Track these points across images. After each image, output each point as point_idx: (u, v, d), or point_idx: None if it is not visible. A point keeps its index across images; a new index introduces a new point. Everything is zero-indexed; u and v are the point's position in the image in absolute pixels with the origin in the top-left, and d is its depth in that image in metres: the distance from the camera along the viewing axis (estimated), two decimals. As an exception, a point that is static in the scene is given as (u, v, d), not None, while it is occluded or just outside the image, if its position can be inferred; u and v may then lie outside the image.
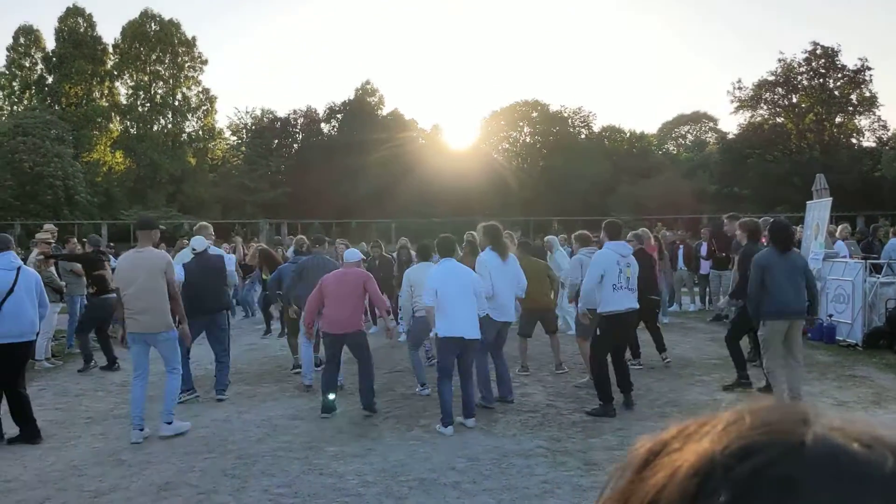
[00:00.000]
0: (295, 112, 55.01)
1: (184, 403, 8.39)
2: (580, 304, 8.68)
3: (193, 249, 9.33)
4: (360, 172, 46.50)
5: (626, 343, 8.58)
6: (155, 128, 51.00)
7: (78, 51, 48.19)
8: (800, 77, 45.62)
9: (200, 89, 52.65)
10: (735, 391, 8.86)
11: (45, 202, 39.17)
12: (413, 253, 12.22)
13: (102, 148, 50.17)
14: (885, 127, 46.41)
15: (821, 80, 45.29)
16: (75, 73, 48.23)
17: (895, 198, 37.32)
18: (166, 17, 50.97)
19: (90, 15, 49.59)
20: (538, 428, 7.49)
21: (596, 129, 57.67)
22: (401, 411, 8.16)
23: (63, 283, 11.53)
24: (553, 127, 56.04)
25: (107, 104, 50.50)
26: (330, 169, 46.83)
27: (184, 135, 52.56)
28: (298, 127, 55.28)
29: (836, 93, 45.35)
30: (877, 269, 12.19)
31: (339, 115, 54.43)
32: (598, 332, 8.12)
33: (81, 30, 49.23)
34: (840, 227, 15.47)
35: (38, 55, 49.53)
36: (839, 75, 45.02)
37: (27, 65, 49.24)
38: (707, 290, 16.47)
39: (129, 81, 51.18)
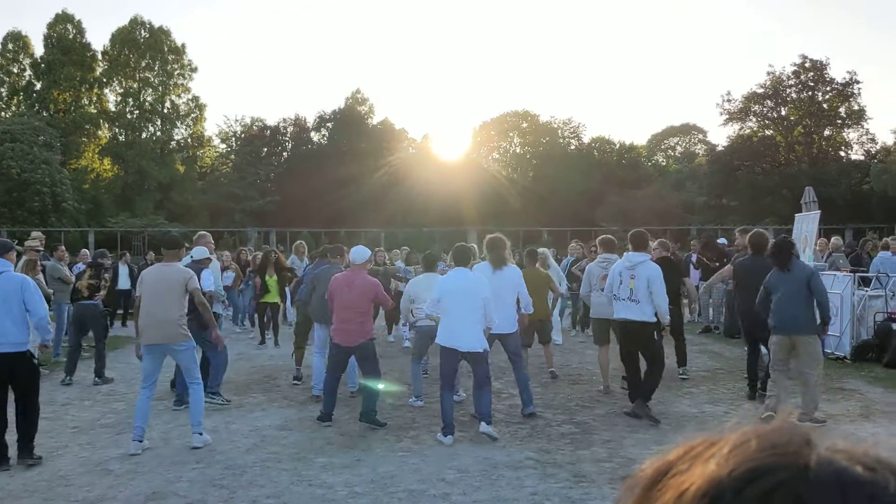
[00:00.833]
0: (284, 120, 55.00)
1: (176, 412, 8.37)
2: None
3: (192, 258, 9.31)
4: (349, 181, 46.49)
5: (635, 351, 8.45)
6: (144, 135, 50.78)
7: (67, 57, 47.98)
8: (789, 90, 45.90)
9: (190, 97, 52.52)
10: (735, 403, 8.94)
11: (32, 209, 38.97)
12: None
13: (90, 155, 49.95)
14: (873, 140, 46.85)
15: (809, 93, 45.58)
16: (64, 79, 48.04)
17: (883, 211, 37.56)
18: (156, 24, 50.89)
19: (79, 21, 49.44)
20: (528, 439, 7.49)
21: (586, 140, 57.88)
22: (391, 422, 8.14)
23: (51, 291, 11.46)
24: (543, 138, 56.23)
25: (95, 111, 50.29)
26: (319, 177, 46.78)
27: (172, 142, 52.40)
28: (288, 135, 55.22)
29: (825, 106, 45.65)
30: (865, 282, 12.26)
31: (329, 124, 54.39)
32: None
33: (70, 36, 49.02)
34: (832, 239, 15.59)
35: (27, 61, 49.28)
36: (828, 88, 45.32)
37: (15, 71, 48.99)
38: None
39: (117, 88, 50.98)
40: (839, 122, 46.47)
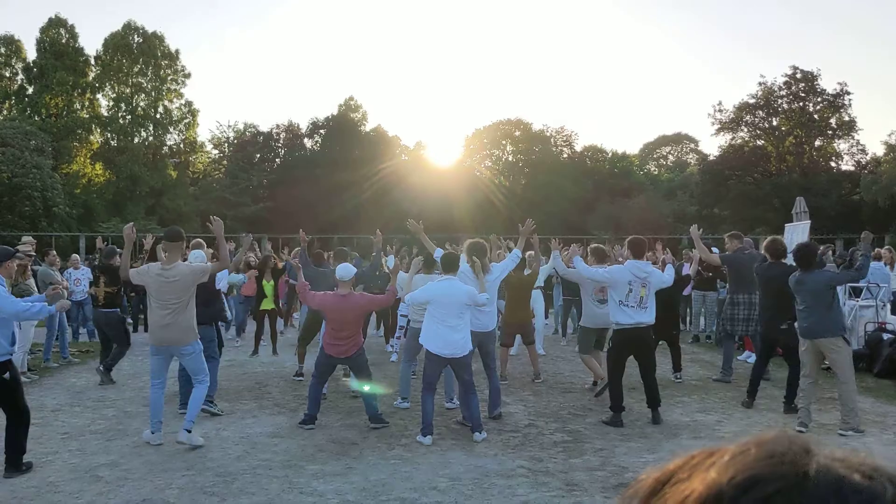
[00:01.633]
0: (277, 126, 54.90)
1: (167, 419, 8.34)
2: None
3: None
4: (342, 188, 46.43)
5: (644, 359, 8.56)
6: (136, 140, 50.62)
7: (59, 62, 47.81)
8: (780, 100, 46.15)
9: (183, 102, 52.37)
10: (727, 412, 8.96)
11: (22, 213, 38.77)
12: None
13: (82, 160, 49.74)
14: (863, 151, 47.05)
15: (800, 104, 45.83)
16: (56, 83, 47.83)
17: (874, 221, 37.73)
18: (150, 29, 50.79)
19: (72, 26, 49.24)
20: (519, 447, 7.48)
21: (578, 148, 57.95)
22: (382, 430, 8.12)
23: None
24: (535, 146, 56.27)
25: (87, 116, 50.05)
26: (312, 184, 46.74)
27: (165, 147, 52.26)
28: (281, 142, 55.16)
29: (816, 116, 45.88)
30: (856, 292, 12.30)
31: (322, 131, 54.32)
32: (611, 345, 8.74)
33: (63, 41, 48.84)
34: (822, 247, 15.62)
35: (19, 65, 49.05)
36: (818, 99, 45.58)
37: (7, 75, 48.77)
38: (689, 310, 16.45)
39: (110, 93, 50.76)
40: (830, 132, 46.71)
